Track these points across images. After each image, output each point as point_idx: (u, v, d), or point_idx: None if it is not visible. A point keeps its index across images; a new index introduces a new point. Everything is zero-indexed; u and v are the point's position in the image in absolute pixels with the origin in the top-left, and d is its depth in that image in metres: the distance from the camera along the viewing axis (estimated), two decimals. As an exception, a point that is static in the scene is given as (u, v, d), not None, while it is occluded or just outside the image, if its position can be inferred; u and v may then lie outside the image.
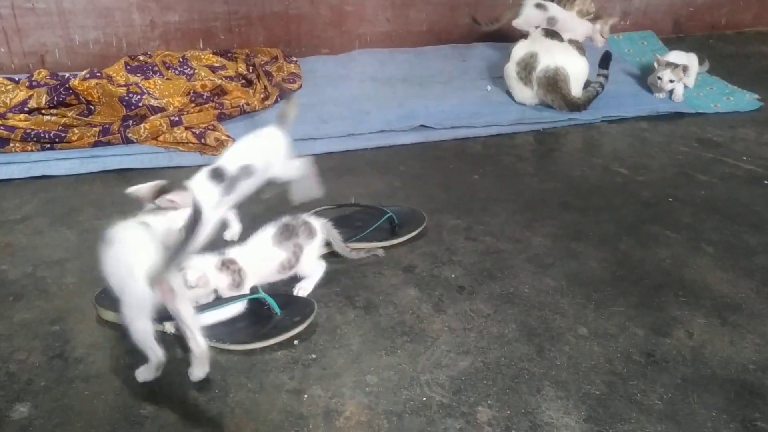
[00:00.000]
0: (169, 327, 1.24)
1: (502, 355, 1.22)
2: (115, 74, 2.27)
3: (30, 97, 2.08)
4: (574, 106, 2.28)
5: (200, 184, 1.36)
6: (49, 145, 1.96)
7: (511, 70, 2.40)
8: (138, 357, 1.20)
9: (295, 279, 1.39)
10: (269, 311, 1.27)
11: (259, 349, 1.22)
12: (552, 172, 1.95)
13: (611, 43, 2.93)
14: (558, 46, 2.34)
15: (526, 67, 2.33)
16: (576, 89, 2.29)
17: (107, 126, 2.01)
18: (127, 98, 2.08)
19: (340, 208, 1.59)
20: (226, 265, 1.27)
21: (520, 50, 2.38)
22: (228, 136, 1.99)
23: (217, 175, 1.38)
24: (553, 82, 2.27)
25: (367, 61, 2.79)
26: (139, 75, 2.32)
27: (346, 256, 1.46)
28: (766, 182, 1.90)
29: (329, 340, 1.25)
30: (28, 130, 1.94)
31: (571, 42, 2.38)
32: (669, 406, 1.12)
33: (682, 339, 1.27)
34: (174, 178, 1.81)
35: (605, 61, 2.37)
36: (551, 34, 2.41)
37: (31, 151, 1.94)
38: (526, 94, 2.37)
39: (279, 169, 1.50)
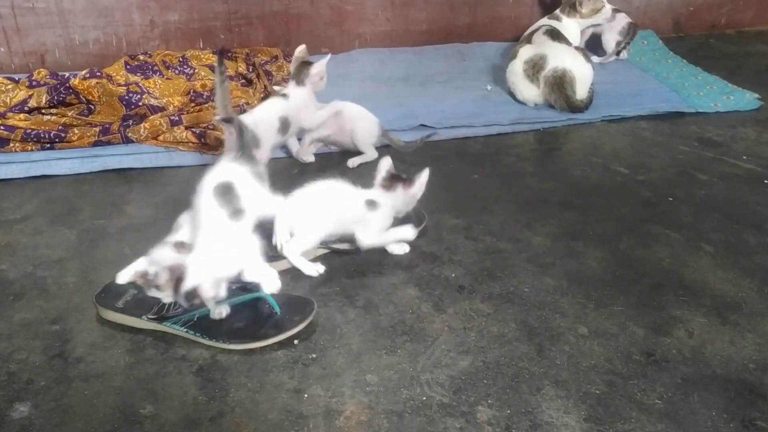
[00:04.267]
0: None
1: (502, 355, 1.22)
2: (115, 74, 2.28)
3: (30, 96, 2.08)
4: (576, 108, 2.29)
5: None
6: (49, 145, 1.96)
7: (517, 66, 2.39)
8: (138, 357, 1.20)
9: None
10: (269, 310, 1.27)
11: (259, 348, 1.22)
12: (552, 171, 1.95)
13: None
14: (566, 50, 2.35)
15: (534, 66, 2.34)
16: (582, 92, 2.30)
17: (107, 126, 2.01)
18: (127, 98, 2.08)
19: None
20: (178, 248, 1.22)
21: (527, 51, 2.40)
22: (228, 136, 2.00)
23: None
24: (560, 83, 2.27)
25: (367, 60, 2.79)
26: (139, 74, 2.32)
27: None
28: (766, 182, 1.89)
29: (329, 340, 1.25)
30: (28, 130, 1.94)
31: (578, 48, 2.40)
32: (669, 406, 1.12)
33: (682, 338, 1.27)
34: (174, 178, 1.84)
35: None
36: (555, 35, 2.40)
37: (31, 150, 1.94)
38: (531, 92, 2.37)
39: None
